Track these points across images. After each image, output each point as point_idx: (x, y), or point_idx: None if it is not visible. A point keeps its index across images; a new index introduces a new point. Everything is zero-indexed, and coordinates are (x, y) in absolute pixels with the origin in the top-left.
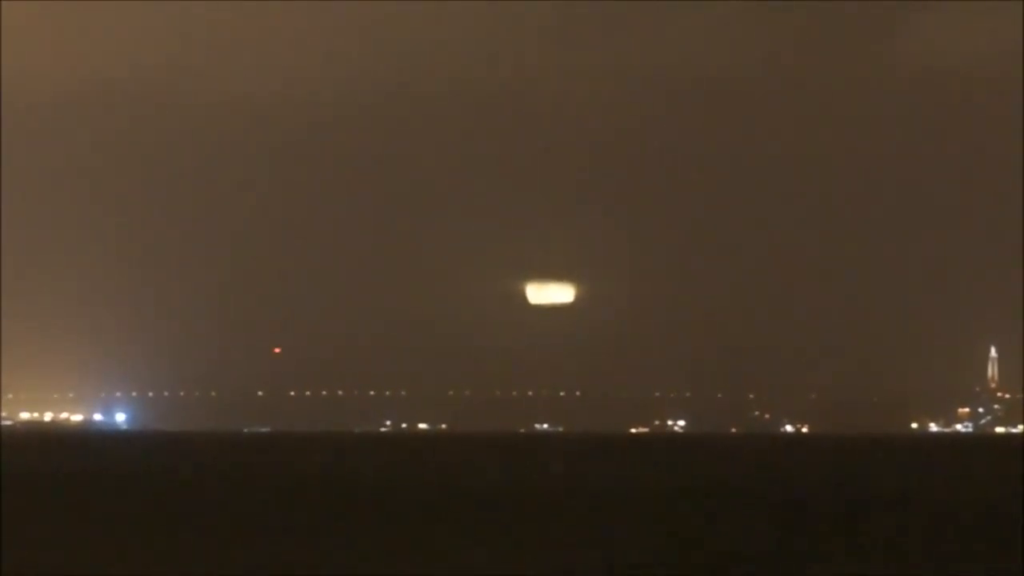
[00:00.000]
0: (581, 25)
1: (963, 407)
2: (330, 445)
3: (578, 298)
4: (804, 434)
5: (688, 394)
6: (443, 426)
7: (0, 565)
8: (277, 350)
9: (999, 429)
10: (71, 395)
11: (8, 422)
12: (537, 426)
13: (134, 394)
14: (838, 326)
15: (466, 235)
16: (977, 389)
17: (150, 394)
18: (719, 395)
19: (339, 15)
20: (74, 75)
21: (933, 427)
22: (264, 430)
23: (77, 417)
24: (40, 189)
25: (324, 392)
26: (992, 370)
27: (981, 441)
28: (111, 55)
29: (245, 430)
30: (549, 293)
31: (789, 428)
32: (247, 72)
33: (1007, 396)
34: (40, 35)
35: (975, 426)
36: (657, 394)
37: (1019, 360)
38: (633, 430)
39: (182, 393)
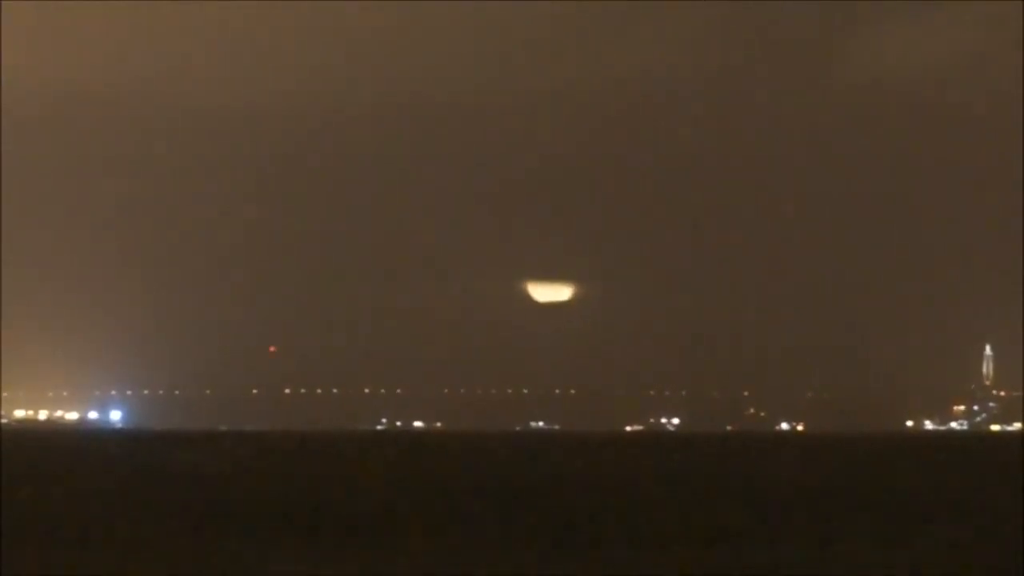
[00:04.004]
0: (576, 29)
1: (958, 405)
2: (325, 443)
3: (573, 296)
4: (799, 432)
5: (683, 392)
6: (438, 424)
7: (0, 565)
8: (272, 349)
9: (994, 427)
10: (66, 393)
11: (3, 420)
12: (532, 424)
13: (129, 392)
14: (833, 324)
15: (462, 233)
16: (972, 387)
17: (145, 392)
18: (714, 393)
19: (340, 20)
20: (75, 78)
21: (928, 425)
22: (260, 428)
23: (72, 415)
24: (38, 188)
25: (319, 390)
26: (987, 368)
27: (976, 439)
28: (112, 60)
29: (240, 428)
30: (544, 291)
31: (784, 426)
32: (248, 76)
33: (1002, 394)
34: (39, 39)
35: (970, 424)
36: (652, 392)
37: (1014, 358)
38: (628, 428)
39: (177, 392)
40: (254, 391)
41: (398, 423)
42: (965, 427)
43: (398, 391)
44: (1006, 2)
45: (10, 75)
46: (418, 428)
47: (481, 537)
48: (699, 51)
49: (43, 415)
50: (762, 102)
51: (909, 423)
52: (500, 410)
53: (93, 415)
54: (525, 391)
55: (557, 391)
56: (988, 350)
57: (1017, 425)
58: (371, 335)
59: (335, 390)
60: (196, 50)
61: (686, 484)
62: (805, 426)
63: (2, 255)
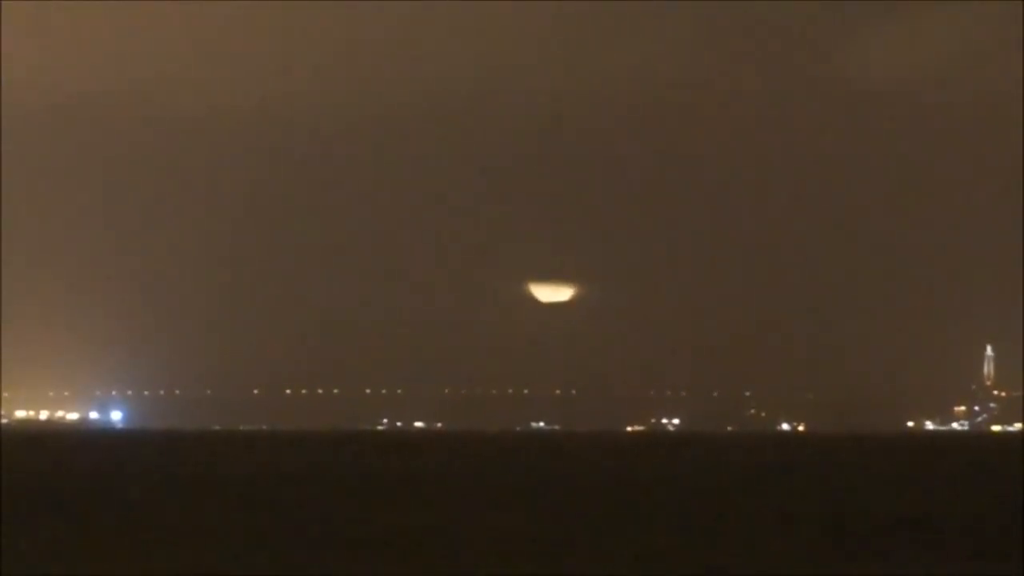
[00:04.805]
0: (576, 29)
1: (959, 406)
2: (326, 443)
3: (573, 297)
4: (800, 433)
5: (684, 393)
6: (439, 424)
7: (0, 566)
8: None
9: (995, 427)
10: (67, 393)
11: (4, 420)
12: (533, 424)
13: (130, 392)
14: (834, 325)
15: (462, 233)
16: (973, 388)
17: (146, 392)
18: (715, 393)
19: (340, 20)
20: (74, 79)
21: (929, 425)
22: (260, 429)
23: (73, 415)
24: (39, 189)
25: (320, 390)
26: (988, 369)
27: (977, 439)
28: (112, 60)
29: (241, 428)
30: (545, 292)
31: (786, 427)
32: (249, 77)
33: (1003, 395)
34: (40, 39)
35: (971, 425)
36: (652, 392)
37: (1015, 359)
38: (629, 428)
39: (178, 392)
40: (255, 391)
41: (399, 423)
42: (966, 428)
43: (399, 391)
44: (1006, 2)
45: (10, 75)
46: (419, 428)
47: (482, 537)
48: (699, 51)
49: (44, 415)
50: (762, 102)
51: (910, 424)
52: (501, 410)
53: (94, 415)
54: (526, 391)
55: (558, 391)
56: (989, 351)
57: (1018, 425)
58: (372, 335)
59: (336, 390)
60: (197, 51)
61: (686, 484)
62: (806, 426)
63: (2, 255)
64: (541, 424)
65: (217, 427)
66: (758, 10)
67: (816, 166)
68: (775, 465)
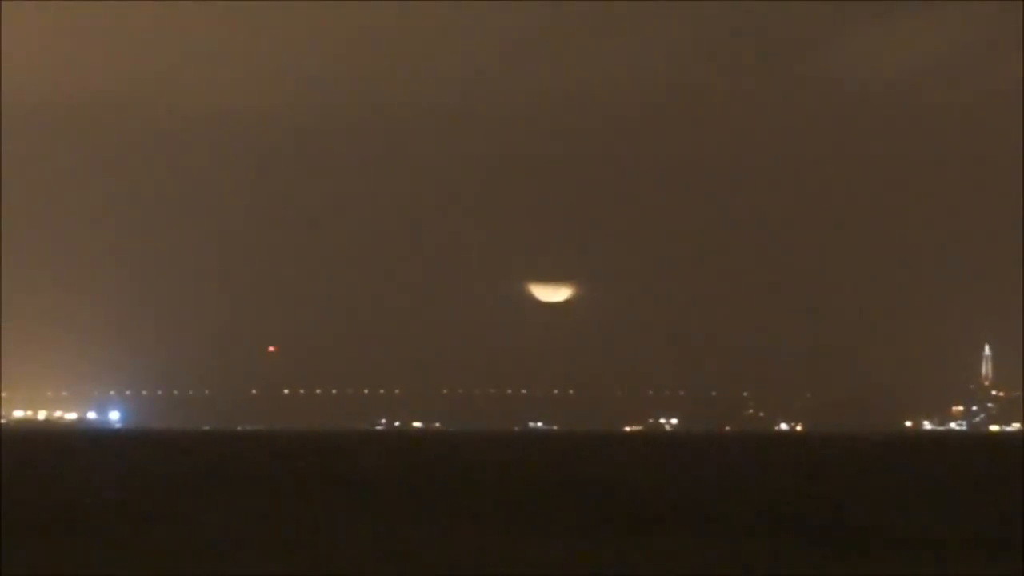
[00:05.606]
0: (575, 29)
1: (957, 405)
2: (324, 443)
3: (571, 297)
4: (798, 432)
5: (682, 392)
6: (437, 424)
7: (0, 565)
8: (272, 348)
9: (993, 427)
10: (65, 393)
11: (3, 420)
12: (531, 424)
13: (128, 392)
14: (832, 325)
15: (461, 233)
16: (971, 387)
17: (144, 392)
18: (713, 393)
19: (340, 20)
20: (75, 79)
21: (927, 425)
22: (258, 428)
23: (71, 415)
24: (39, 189)
25: (318, 390)
26: (986, 368)
27: (975, 439)
28: (112, 60)
29: (239, 428)
30: (543, 292)
31: (783, 427)
32: (248, 77)
33: (1001, 394)
34: (40, 39)
35: (969, 424)
36: (650, 392)
37: (1012, 358)
38: (627, 428)
39: (176, 392)
40: (253, 391)
41: (396, 423)
42: (964, 427)
43: (396, 391)
44: (1006, 2)
45: (10, 75)
46: (416, 428)
47: (479, 537)
48: (698, 51)
49: (42, 415)
50: (762, 102)
51: (908, 423)
52: (499, 410)
53: (92, 415)
54: (524, 391)
55: (556, 391)
56: (987, 350)
57: (1016, 425)
58: (370, 335)
59: (334, 390)
60: (196, 51)
61: (684, 484)
62: (804, 426)
63: (2, 255)
64: (539, 424)
65: (215, 427)
66: (757, 10)
67: (815, 166)
68: (773, 465)
